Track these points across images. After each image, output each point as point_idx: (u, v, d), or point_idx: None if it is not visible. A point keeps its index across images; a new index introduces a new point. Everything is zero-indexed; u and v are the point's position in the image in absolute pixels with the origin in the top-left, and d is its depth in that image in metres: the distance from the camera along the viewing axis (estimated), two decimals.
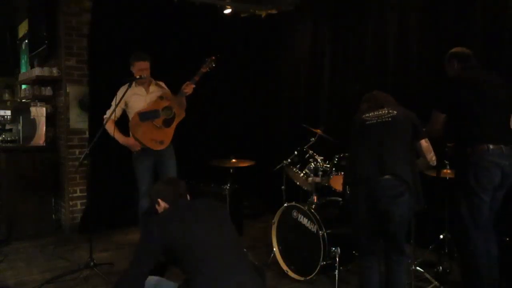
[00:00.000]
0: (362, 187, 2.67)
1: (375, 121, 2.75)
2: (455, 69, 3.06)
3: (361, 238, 2.79)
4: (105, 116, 3.84)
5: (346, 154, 3.03)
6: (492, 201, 2.87)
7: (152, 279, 2.28)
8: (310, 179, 3.76)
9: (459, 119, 2.90)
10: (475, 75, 2.95)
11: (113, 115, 3.74)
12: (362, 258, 2.83)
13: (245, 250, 2.43)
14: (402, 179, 2.60)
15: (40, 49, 5.13)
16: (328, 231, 3.41)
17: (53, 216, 5.01)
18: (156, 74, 3.98)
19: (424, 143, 2.77)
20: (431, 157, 2.81)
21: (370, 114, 2.79)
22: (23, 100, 5.66)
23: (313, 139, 4.09)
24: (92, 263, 3.60)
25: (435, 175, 3.37)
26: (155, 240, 2.14)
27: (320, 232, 3.39)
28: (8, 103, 5.49)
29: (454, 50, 3.13)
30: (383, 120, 2.73)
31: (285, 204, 3.75)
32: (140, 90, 3.88)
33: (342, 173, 3.72)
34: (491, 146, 2.77)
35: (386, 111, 2.77)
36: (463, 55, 3.06)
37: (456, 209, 2.93)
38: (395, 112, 2.76)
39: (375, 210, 2.66)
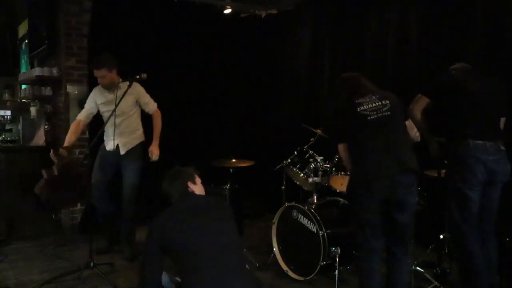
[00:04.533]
0: (380, 183, 2.62)
1: (375, 115, 2.70)
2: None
3: (368, 236, 2.73)
4: None
5: (344, 147, 2.83)
6: (485, 199, 2.88)
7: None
8: (310, 179, 3.76)
9: (444, 116, 2.95)
10: (460, 72, 3.02)
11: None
12: (364, 257, 2.77)
13: (244, 250, 2.43)
14: (415, 170, 2.65)
15: (40, 49, 5.12)
16: (328, 231, 3.41)
17: (53, 216, 5.00)
18: (156, 74, 3.97)
19: (408, 123, 2.85)
20: (415, 133, 2.92)
21: (366, 107, 2.73)
22: (23, 100, 5.65)
23: (313, 139, 4.09)
24: (92, 263, 3.59)
25: (435, 175, 3.38)
26: (154, 240, 2.16)
27: (320, 232, 3.38)
28: (8, 103, 5.48)
29: None
30: (383, 114, 2.70)
31: (285, 204, 3.75)
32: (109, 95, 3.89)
33: (342, 173, 3.74)
34: (473, 142, 2.80)
35: (380, 103, 2.74)
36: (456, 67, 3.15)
37: (448, 207, 2.96)
38: (388, 101, 2.75)
39: (389, 204, 2.65)
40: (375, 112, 2.71)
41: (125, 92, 3.55)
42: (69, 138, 3.80)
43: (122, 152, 3.88)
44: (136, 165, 3.95)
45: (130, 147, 3.93)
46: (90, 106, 3.94)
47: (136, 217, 4.11)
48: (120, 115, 3.82)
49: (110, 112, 3.74)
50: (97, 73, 3.74)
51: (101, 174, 3.94)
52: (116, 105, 3.56)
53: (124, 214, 4.04)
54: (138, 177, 3.97)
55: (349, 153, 2.81)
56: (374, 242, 2.73)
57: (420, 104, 2.98)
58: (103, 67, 3.71)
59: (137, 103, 3.92)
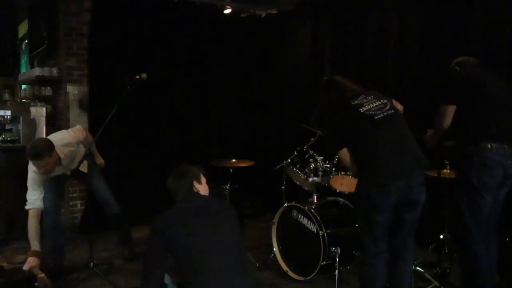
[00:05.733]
0: (398, 183, 2.55)
1: (381, 114, 2.64)
2: (455, 69, 3.06)
3: (375, 239, 2.66)
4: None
5: (346, 151, 2.71)
6: (494, 201, 2.85)
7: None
8: (310, 179, 3.76)
9: (462, 116, 2.89)
10: (476, 73, 2.94)
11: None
12: (370, 261, 2.71)
13: (245, 249, 2.43)
14: (426, 166, 2.64)
15: (40, 49, 5.13)
16: (328, 231, 3.40)
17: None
18: (155, 74, 3.96)
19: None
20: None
21: (368, 107, 2.66)
22: (23, 100, 5.65)
23: (313, 139, 4.09)
24: (92, 263, 3.59)
25: (435, 175, 3.38)
26: (157, 239, 2.16)
27: (320, 232, 3.38)
28: (8, 103, 5.48)
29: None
30: (388, 113, 2.65)
31: (285, 204, 3.75)
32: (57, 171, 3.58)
33: (342, 173, 3.74)
34: (494, 145, 2.75)
35: (379, 102, 2.69)
36: (463, 60, 3.08)
37: (458, 208, 2.92)
38: (386, 101, 2.72)
39: (402, 203, 2.60)
40: (380, 111, 2.64)
41: (82, 159, 3.54)
42: (37, 236, 3.34)
43: (86, 170, 3.73)
44: (97, 169, 3.91)
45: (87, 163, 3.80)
46: (41, 190, 3.45)
47: (125, 214, 4.06)
48: (76, 153, 3.68)
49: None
50: (38, 164, 3.20)
51: (58, 191, 3.80)
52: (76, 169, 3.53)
53: (114, 216, 3.97)
54: (104, 178, 3.95)
55: (355, 156, 2.69)
56: (381, 244, 2.68)
57: (450, 115, 2.88)
58: (45, 156, 3.18)
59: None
